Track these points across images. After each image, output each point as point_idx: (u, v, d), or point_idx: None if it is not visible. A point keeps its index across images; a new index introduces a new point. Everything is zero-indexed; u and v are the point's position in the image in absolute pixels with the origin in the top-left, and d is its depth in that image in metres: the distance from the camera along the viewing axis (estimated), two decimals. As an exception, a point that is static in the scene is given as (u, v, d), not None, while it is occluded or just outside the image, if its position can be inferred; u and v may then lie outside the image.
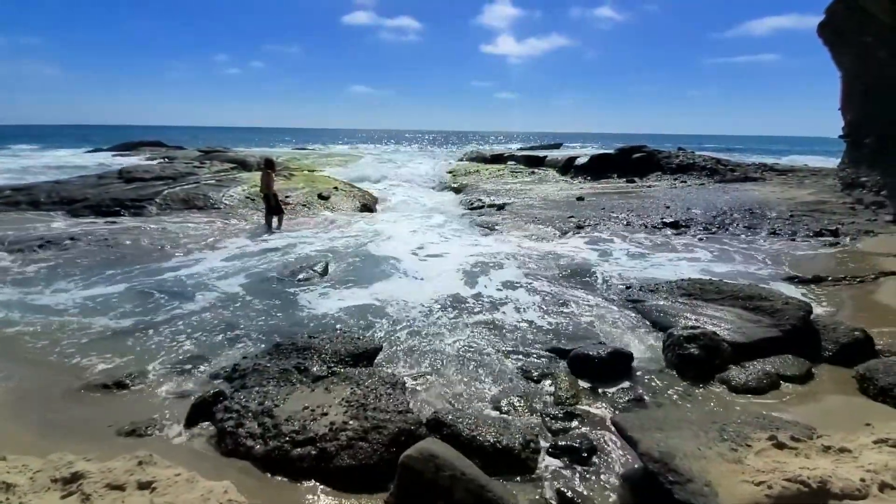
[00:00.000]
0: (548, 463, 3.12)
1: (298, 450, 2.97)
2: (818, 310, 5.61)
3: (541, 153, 27.61)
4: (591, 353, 4.32)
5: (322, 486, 2.83)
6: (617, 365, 4.30)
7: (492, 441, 3.08)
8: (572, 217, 11.93)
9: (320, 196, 14.03)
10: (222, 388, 3.85)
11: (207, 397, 3.57)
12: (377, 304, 6.11)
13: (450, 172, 22.41)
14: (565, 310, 5.94)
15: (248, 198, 13.07)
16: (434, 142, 76.62)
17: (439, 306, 6.04)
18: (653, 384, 4.16)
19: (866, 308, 5.85)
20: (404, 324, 5.48)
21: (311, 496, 2.77)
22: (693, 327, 4.66)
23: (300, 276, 7.11)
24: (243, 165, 18.56)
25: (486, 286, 6.86)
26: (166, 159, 22.97)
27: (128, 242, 8.89)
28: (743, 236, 9.99)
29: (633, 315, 5.70)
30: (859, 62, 12.81)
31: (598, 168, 20.72)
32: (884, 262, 7.62)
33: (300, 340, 4.42)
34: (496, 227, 11.13)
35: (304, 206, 13.10)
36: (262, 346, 4.82)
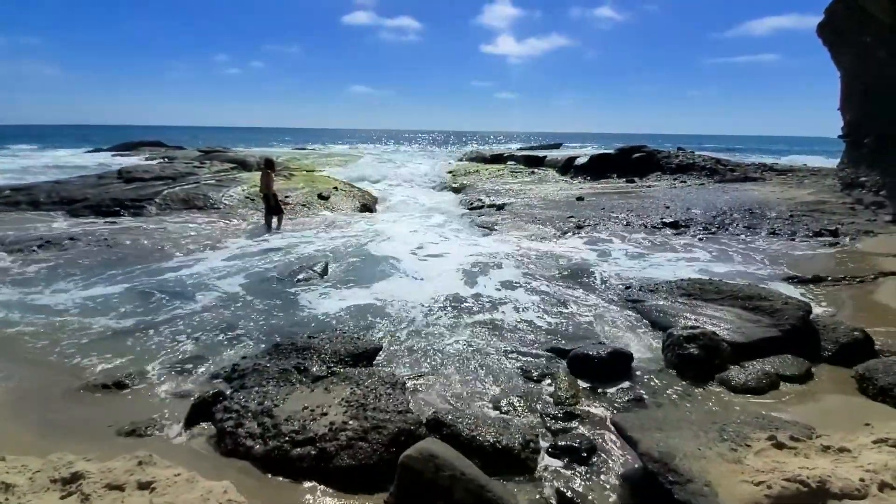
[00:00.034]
0: (547, 463, 3.13)
1: (298, 450, 2.97)
2: (818, 310, 5.61)
3: (540, 153, 27.62)
4: (590, 352, 4.32)
5: (322, 486, 2.83)
6: (617, 365, 4.30)
7: (491, 441, 3.08)
8: (572, 217, 11.93)
9: (320, 196, 14.03)
10: (222, 388, 3.86)
11: (207, 397, 3.57)
12: (377, 304, 6.11)
13: (449, 172, 22.41)
14: (565, 310, 5.94)
15: (247, 198, 13.07)
16: (434, 142, 76.64)
17: (439, 306, 6.04)
18: (652, 384, 4.16)
19: (866, 308, 5.86)
20: (404, 324, 5.48)
21: (310, 496, 2.77)
22: (693, 327, 4.66)
23: (300, 276, 7.11)
24: (243, 165, 18.56)
25: (485, 286, 6.86)
26: (166, 159, 22.97)
27: (128, 242, 8.89)
28: (742, 236, 10.00)
29: (633, 315, 5.70)
30: (859, 62, 12.82)
31: (597, 168, 20.73)
32: (883, 262, 7.63)
33: (300, 340, 4.42)
34: (496, 227, 11.14)
35: (304, 206, 13.10)
36: (262, 346, 4.82)
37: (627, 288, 6.60)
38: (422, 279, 7.28)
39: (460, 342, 4.99)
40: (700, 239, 9.84)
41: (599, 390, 4.06)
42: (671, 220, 11.23)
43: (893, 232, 9.76)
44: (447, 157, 32.71)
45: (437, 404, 3.82)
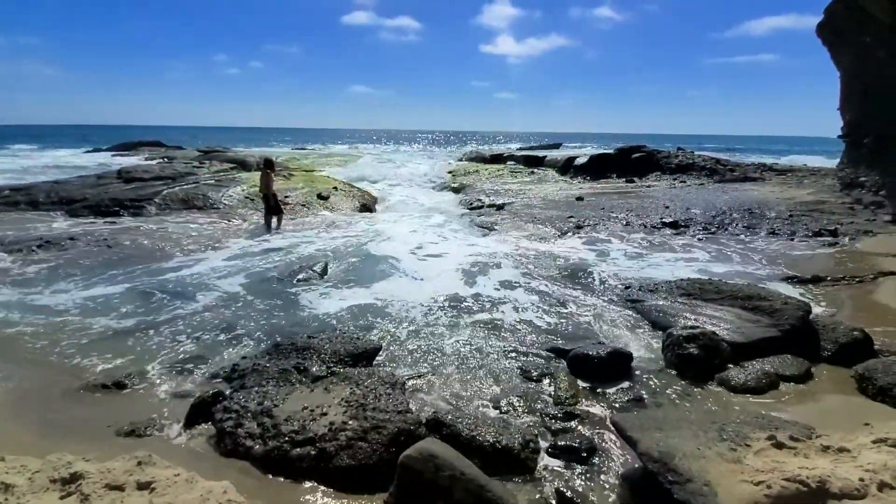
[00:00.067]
0: (547, 463, 3.13)
1: (298, 450, 2.97)
2: (817, 310, 5.62)
3: (540, 153, 27.63)
4: (590, 352, 4.32)
5: (321, 487, 2.83)
6: (616, 365, 4.30)
7: (491, 441, 3.08)
8: (571, 217, 11.94)
9: (320, 196, 14.03)
10: (222, 388, 3.86)
11: (207, 397, 3.57)
12: (377, 304, 6.11)
13: (449, 172, 22.42)
14: (564, 309, 5.94)
15: (247, 198, 13.07)
16: (434, 142, 76.63)
17: (438, 306, 6.04)
18: (652, 384, 4.16)
19: (865, 308, 5.86)
20: (404, 324, 5.49)
21: (310, 496, 2.77)
22: (692, 327, 4.66)
23: (300, 276, 7.11)
24: (243, 165, 18.55)
25: (485, 286, 6.86)
26: (165, 159, 22.95)
27: (127, 242, 8.88)
28: (742, 236, 10.00)
29: (633, 315, 5.70)
30: (858, 62, 12.82)
31: (597, 168, 20.73)
32: (883, 262, 7.63)
33: (299, 340, 4.42)
34: (495, 227, 11.14)
35: (304, 206, 13.10)
36: (262, 346, 4.82)
37: (627, 288, 6.60)
38: (421, 279, 7.28)
39: (460, 342, 4.99)
40: (699, 239, 9.85)
41: (599, 390, 4.06)
42: (671, 220, 11.23)
43: (893, 232, 9.76)
44: (447, 157, 32.72)
45: (437, 404, 3.82)
